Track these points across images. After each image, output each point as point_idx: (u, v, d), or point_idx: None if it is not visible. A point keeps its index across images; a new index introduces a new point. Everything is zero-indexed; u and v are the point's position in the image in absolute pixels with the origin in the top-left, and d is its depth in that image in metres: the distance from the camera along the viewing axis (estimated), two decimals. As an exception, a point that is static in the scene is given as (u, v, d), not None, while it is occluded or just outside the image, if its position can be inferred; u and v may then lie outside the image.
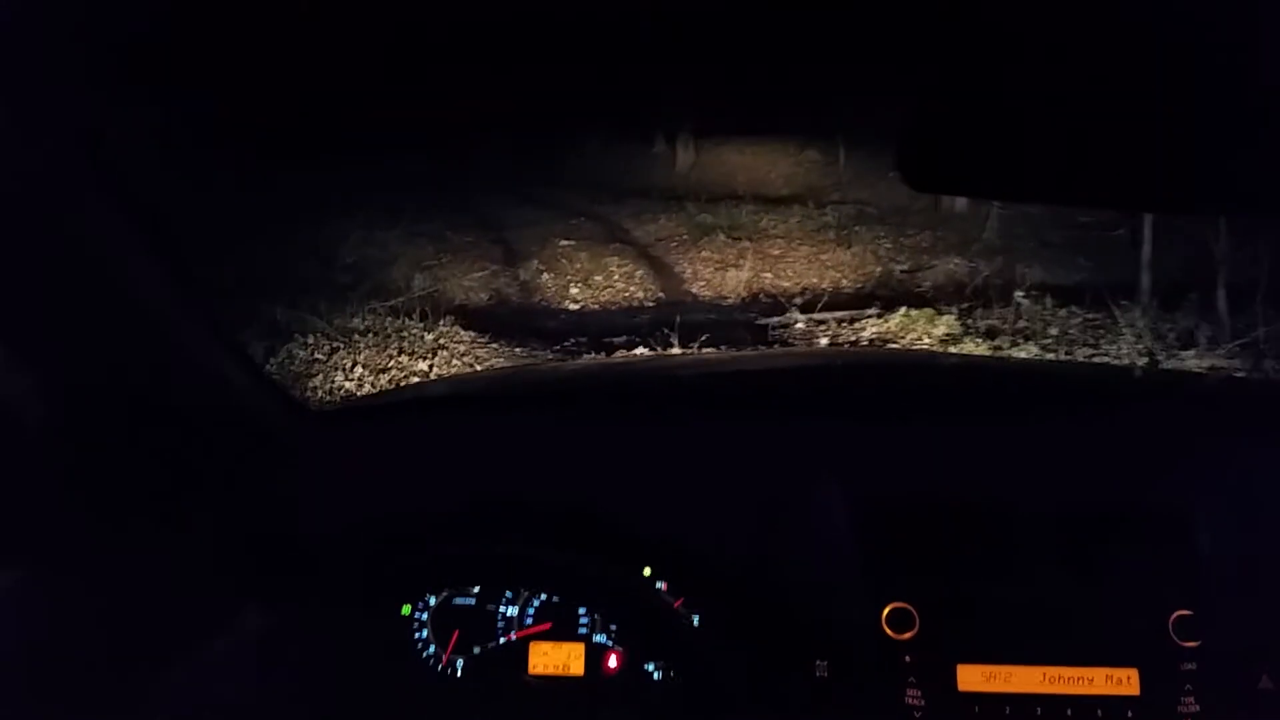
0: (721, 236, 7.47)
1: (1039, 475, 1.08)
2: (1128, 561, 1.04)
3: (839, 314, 5.42)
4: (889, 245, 7.23)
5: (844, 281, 6.49)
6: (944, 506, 1.06)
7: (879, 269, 6.66)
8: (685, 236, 7.62)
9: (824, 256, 6.97)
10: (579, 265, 6.88)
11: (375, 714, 1.06)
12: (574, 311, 6.00)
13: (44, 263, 0.78)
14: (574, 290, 6.35)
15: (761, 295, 6.23)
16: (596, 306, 6.13)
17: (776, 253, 7.07)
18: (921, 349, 4.70)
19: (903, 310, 5.32)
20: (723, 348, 4.95)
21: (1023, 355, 4.57)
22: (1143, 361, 4.33)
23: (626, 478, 1.13)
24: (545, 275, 6.63)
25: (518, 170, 9.42)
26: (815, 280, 6.52)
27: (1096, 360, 4.39)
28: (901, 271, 6.58)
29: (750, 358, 2.10)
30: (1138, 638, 1.00)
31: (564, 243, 7.38)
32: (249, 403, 1.03)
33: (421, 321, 5.02)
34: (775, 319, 5.47)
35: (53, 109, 0.74)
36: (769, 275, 6.59)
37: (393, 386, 4.27)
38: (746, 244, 7.26)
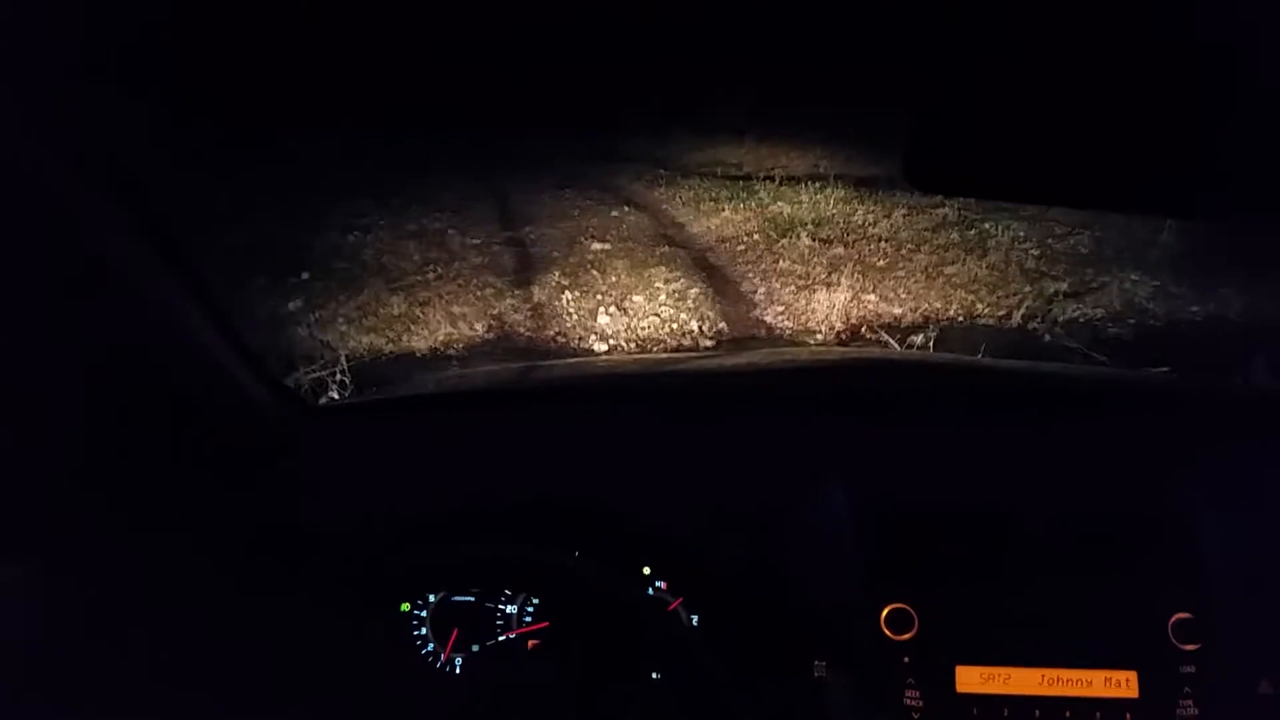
0: (805, 237, 5.62)
1: (1039, 478, 1.07)
2: (1127, 564, 1.02)
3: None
4: (1035, 252, 5.32)
5: (981, 307, 4.63)
6: (944, 508, 1.06)
7: (1029, 288, 4.79)
8: (756, 236, 5.79)
9: (949, 269, 5.08)
10: (614, 279, 5.13)
11: (374, 711, 1.06)
12: (599, 365, 4.28)
13: (46, 259, 0.78)
14: (603, 320, 4.62)
15: (866, 331, 4.43)
16: (633, 346, 4.40)
17: (881, 263, 5.21)
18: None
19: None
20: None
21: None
22: None
23: (627, 477, 1.14)
24: (567, 294, 4.92)
25: (557, 145, 7.69)
26: (940, 306, 4.67)
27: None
28: (1064, 294, 4.69)
29: (750, 358, 1.90)
30: (1137, 640, 0.99)
31: (597, 247, 5.63)
32: (249, 398, 1.03)
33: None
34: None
35: (52, 108, 0.74)
36: (873, 298, 4.76)
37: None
38: (839, 249, 5.43)
